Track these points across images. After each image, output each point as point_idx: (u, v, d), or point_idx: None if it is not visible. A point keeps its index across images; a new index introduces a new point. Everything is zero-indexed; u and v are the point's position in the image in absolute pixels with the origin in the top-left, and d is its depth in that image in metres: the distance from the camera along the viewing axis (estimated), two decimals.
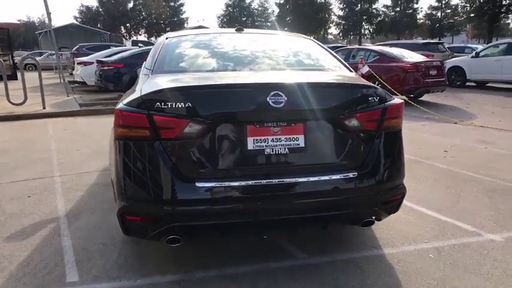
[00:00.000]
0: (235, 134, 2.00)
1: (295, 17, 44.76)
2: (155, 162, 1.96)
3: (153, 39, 48.05)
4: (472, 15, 36.55)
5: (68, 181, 4.12)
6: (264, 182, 1.98)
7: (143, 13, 53.40)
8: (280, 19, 49.70)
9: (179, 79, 2.25)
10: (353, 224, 2.26)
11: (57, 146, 5.69)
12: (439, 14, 43.30)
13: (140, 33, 54.67)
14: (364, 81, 2.39)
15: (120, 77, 10.74)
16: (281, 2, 50.07)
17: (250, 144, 2.00)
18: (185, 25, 55.55)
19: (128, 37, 52.16)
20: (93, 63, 13.07)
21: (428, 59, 10.16)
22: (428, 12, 45.16)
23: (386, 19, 44.67)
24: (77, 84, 14.36)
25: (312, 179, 2.02)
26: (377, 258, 2.56)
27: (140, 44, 21.25)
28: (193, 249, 2.65)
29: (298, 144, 2.05)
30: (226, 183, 1.95)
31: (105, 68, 10.74)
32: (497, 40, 31.77)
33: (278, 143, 2.02)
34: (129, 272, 2.41)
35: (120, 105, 2.03)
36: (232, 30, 3.24)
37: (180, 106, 1.92)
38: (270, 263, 2.48)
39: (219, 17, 56.55)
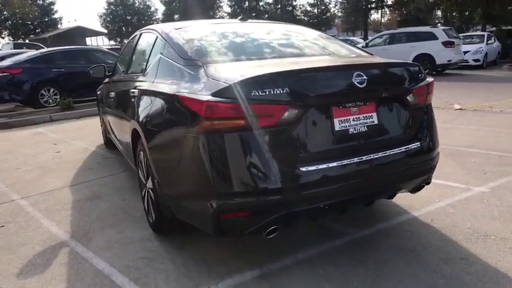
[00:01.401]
0: (324, 116, 2.04)
1: (183, 15, 44.11)
2: (254, 152, 1.88)
3: (20, 40, 42.16)
4: (349, 11, 41.53)
5: (38, 202, 3.54)
6: (354, 159, 2.06)
7: (5, 13, 46.41)
8: (167, 17, 48.40)
9: (255, 66, 2.18)
10: (410, 191, 2.48)
11: None
12: (315, 11, 47.34)
13: (3, 35, 47.39)
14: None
15: (19, 84, 9.34)
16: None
17: (337, 125, 2.06)
18: (59, 25, 50.09)
19: None
20: None
21: None
22: (304, 9, 48.95)
23: (270, 16, 47.13)
24: None
25: (390, 152, 2.18)
26: (413, 221, 2.85)
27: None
28: (244, 242, 2.58)
29: (373, 122, 2.18)
30: (326, 165, 1.98)
31: None
32: (364, 33, 36.66)
33: (358, 122, 2.13)
34: (202, 278, 2.25)
35: (208, 97, 1.88)
36: (236, 20, 3.19)
37: (277, 92, 1.88)
38: (331, 242, 2.57)
39: (101, 16, 52.21)
